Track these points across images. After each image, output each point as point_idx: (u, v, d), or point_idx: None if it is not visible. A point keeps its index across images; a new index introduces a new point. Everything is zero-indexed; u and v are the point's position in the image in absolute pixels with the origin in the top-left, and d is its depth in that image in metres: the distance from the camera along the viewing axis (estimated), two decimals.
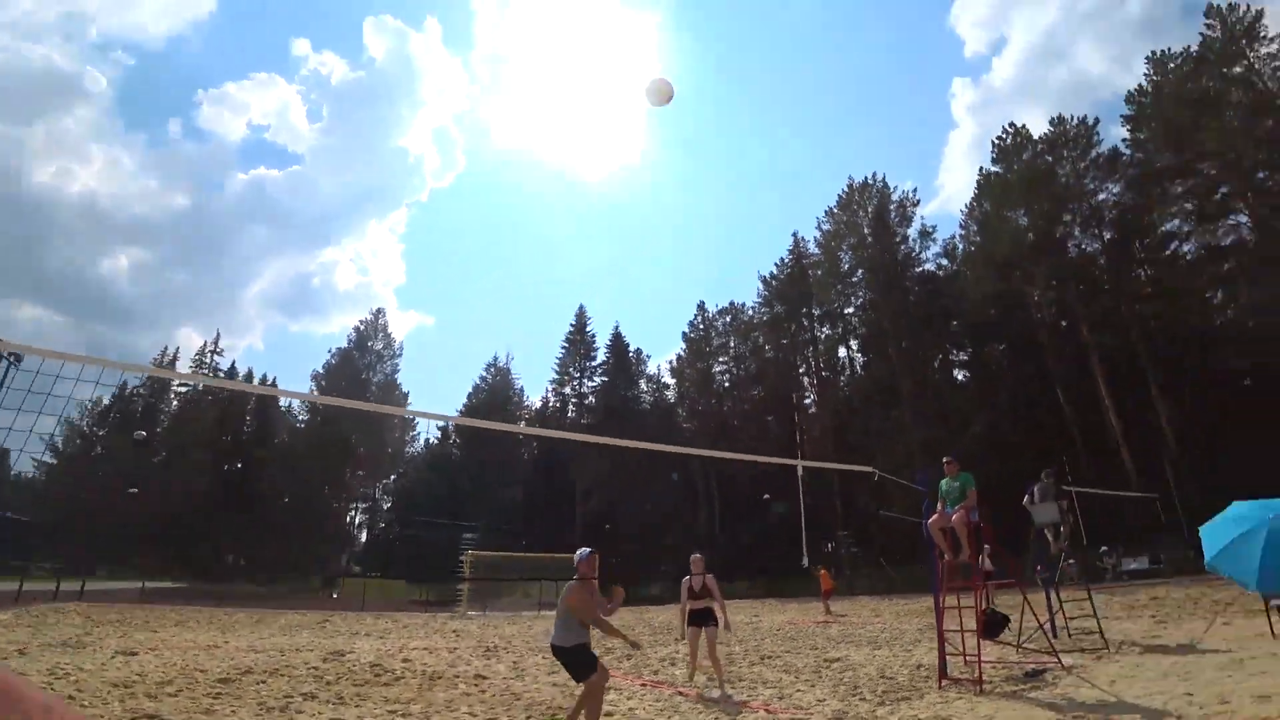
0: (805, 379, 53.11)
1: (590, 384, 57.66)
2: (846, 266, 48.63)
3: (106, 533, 44.11)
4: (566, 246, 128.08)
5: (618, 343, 57.56)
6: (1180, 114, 35.06)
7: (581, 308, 59.17)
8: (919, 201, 48.22)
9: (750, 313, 55.64)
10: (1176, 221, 38.11)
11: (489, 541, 37.65)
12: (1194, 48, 36.64)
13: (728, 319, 57.23)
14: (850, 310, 49.73)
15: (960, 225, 47.88)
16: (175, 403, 57.84)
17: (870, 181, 48.66)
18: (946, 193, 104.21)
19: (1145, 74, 39.14)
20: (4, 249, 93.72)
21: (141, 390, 56.44)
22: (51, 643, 11.24)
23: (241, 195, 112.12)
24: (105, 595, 26.09)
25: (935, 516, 8.33)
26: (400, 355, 59.28)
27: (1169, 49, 38.17)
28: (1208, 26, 36.04)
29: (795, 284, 50.97)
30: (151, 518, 46.30)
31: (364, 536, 57.95)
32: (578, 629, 5.51)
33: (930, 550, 8.54)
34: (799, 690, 7.73)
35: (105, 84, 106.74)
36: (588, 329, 58.47)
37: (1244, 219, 35.33)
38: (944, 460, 8.70)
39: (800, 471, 8.53)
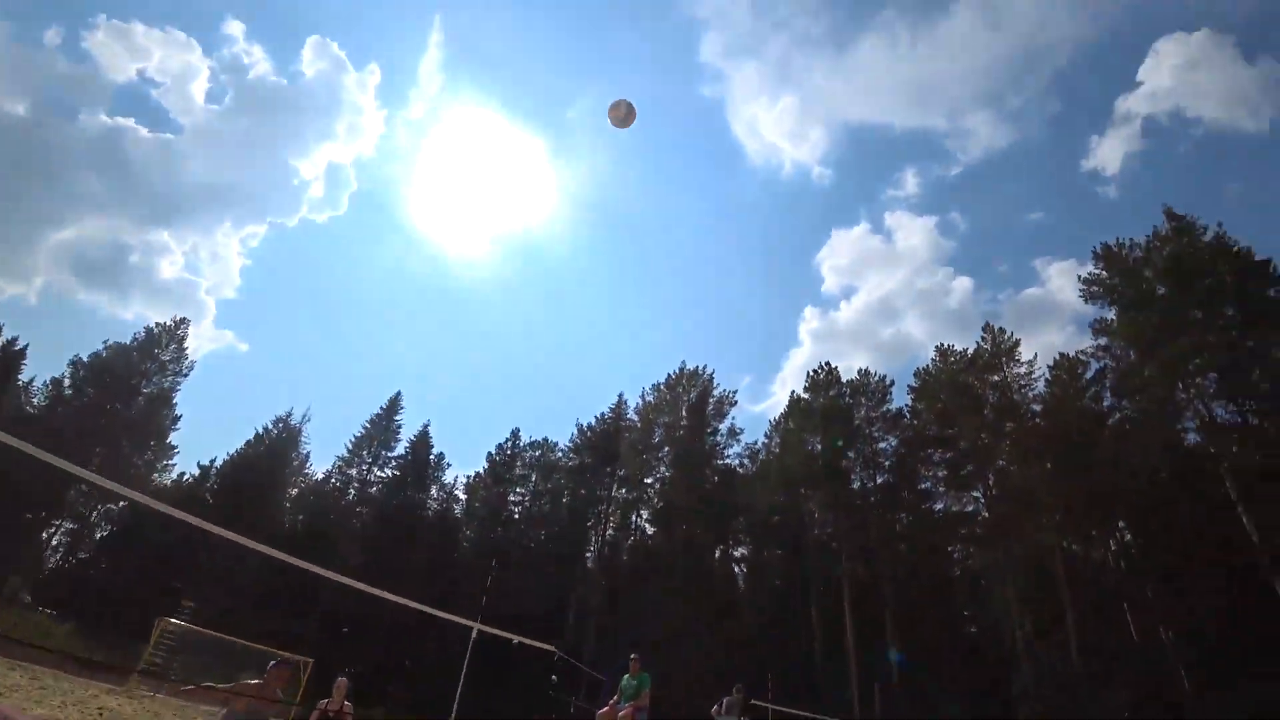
0: (593, 533, 53.59)
1: (380, 474, 54.86)
2: (657, 439, 51.57)
3: None
4: (407, 328, 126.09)
5: (422, 442, 55.79)
6: (949, 397, 42.13)
7: (399, 394, 57.46)
8: (736, 403, 53.02)
9: (560, 455, 56.51)
10: (930, 484, 44.52)
11: (208, 612, 32.50)
12: (970, 350, 44.74)
13: (537, 453, 57.50)
14: (650, 480, 51.89)
15: (766, 435, 52.85)
16: None
17: (699, 371, 53.17)
18: (776, 399, 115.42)
19: (933, 358, 46.92)
20: None
21: None
22: None
23: (94, 136, 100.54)
24: None
25: (605, 709, 8.72)
26: (187, 375, 53.32)
27: (954, 345, 46.32)
28: (983, 338, 44.39)
29: (608, 441, 52.85)
30: None
31: (53, 562, 48.48)
32: None
33: None
34: None
35: None
36: (396, 417, 56.51)
37: (980, 496, 41.93)
38: (631, 657, 9.17)
39: (474, 634, 8.89)
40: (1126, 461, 35.24)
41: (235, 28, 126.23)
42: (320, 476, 55.44)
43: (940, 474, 43.70)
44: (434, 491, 57.08)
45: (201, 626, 26.65)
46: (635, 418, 53.92)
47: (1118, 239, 39.75)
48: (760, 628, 42.65)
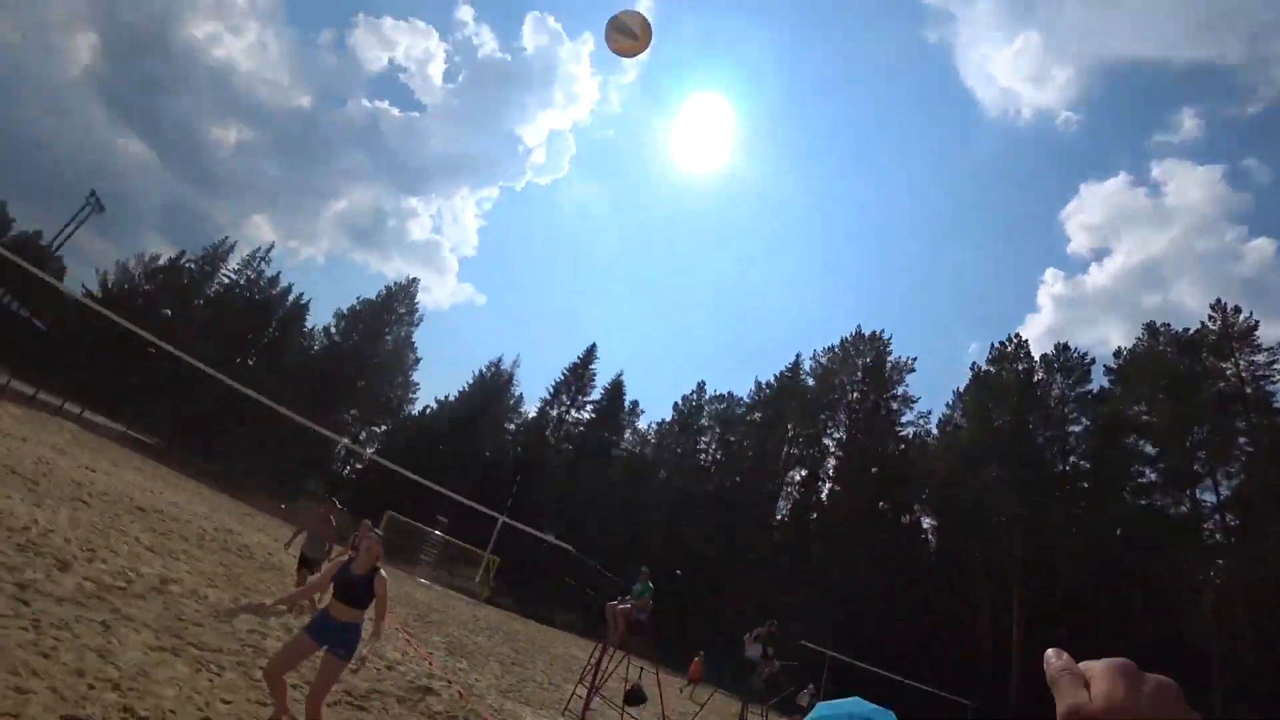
0: (771, 487, 55.45)
1: (578, 415, 61.18)
2: (832, 400, 51.82)
3: (118, 373, 48.44)
4: (614, 282, 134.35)
5: (616, 390, 60.95)
6: (1158, 382, 37.90)
7: (594, 345, 62.86)
8: (914, 369, 51.33)
9: (741, 409, 58.91)
10: (1131, 476, 40.03)
11: (455, 527, 39.91)
12: (1191, 330, 39.67)
13: (720, 406, 60.44)
14: (828, 441, 52.66)
15: (947, 404, 50.85)
16: (218, 286, 62.78)
17: (878, 335, 52.22)
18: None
19: (1140, 336, 42.46)
20: (134, 82, 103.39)
21: (192, 261, 62.21)
22: (44, 444, 15.18)
23: (357, 119, 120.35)
24: (95, 425, 30.48)
25: (614, 603, 11.30)
26: (418, 325, 63.74)
27: (1170, 324, 41.14)
28: (1211, 317, 39.05)
29: (786, 399, 54.07)
30: (162, 375, 50.82)
31: (345, 471, 61.70)
32: None
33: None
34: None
35: None
36: (591, 366, 62.02)
37: (1210, 496, 37.27)
38: (642, 569, 11.57)
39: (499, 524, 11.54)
40: None
41: (466, 13, 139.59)
42: (532, 414, 63.38)
43: (1140, 467, 39.60)
44: (627, 435, 62.67)
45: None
46: (810, 379, 54.47)
47: None
48: (915, 590, 42.29)
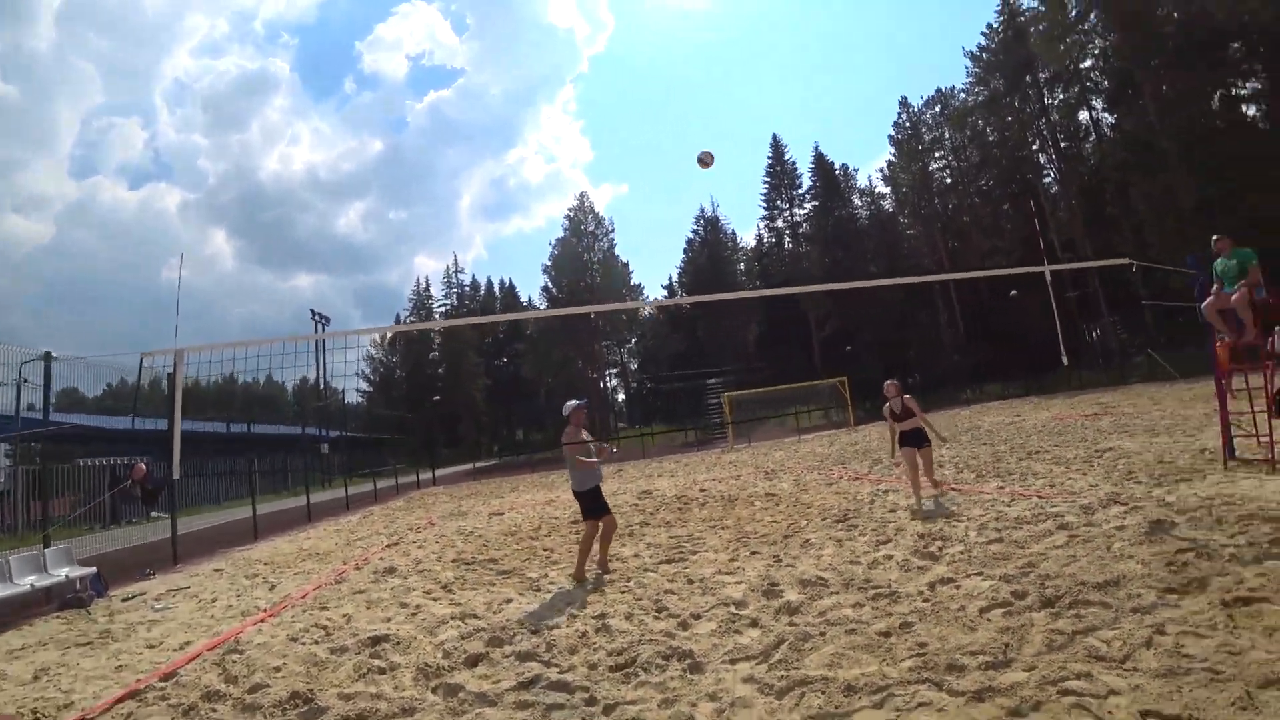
0: (1040, 156, 47.06)
1: (801, 211, 56.34)
2: (1075, 12, 40.81)
3: (422, 434, 53.56)
4: (743, 72, 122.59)
5: (821, 164, 54.92)
6: None
7: (775, 136, 56.98)
8: None
9: (962, 96, 49.82)
10: None
11: (734, 382, 40.45)
12: None
13: (937, 109, 51.69)
14: (1088, 64, 42.44)
15: None
16: (444, 310, 67.00)
17: None
18: None
19: None
20: (265, 235, 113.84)
21: (412, 318, 66.54)
22: (444, 515, 14.89)
23: (424, 123, 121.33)
24: (448, 478, 32.53)
25: (1211, 299, 7.82)
26: (613, 230, 61.60)
27: None
28: None
29: (1011, 51, 44.08)
30: (451, 416, 55.51)
31: (622, 397, 64.14)
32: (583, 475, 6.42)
33: (1209, 334, 8.09)
34: (1070, 478, 7.96)
35: (287, 69, 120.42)
36: (786, 157, 56.48)
37: None
38: (1213, 239, 7.96)
39: (1049, 276, 8.41)
40: None
41: None
42: (753, 242, 60.04)
43: None
44: (856, 200, 56.89)
45: (737, 389, 34.29)
46: (1035, 3, 43.44)
47: None
48: None
